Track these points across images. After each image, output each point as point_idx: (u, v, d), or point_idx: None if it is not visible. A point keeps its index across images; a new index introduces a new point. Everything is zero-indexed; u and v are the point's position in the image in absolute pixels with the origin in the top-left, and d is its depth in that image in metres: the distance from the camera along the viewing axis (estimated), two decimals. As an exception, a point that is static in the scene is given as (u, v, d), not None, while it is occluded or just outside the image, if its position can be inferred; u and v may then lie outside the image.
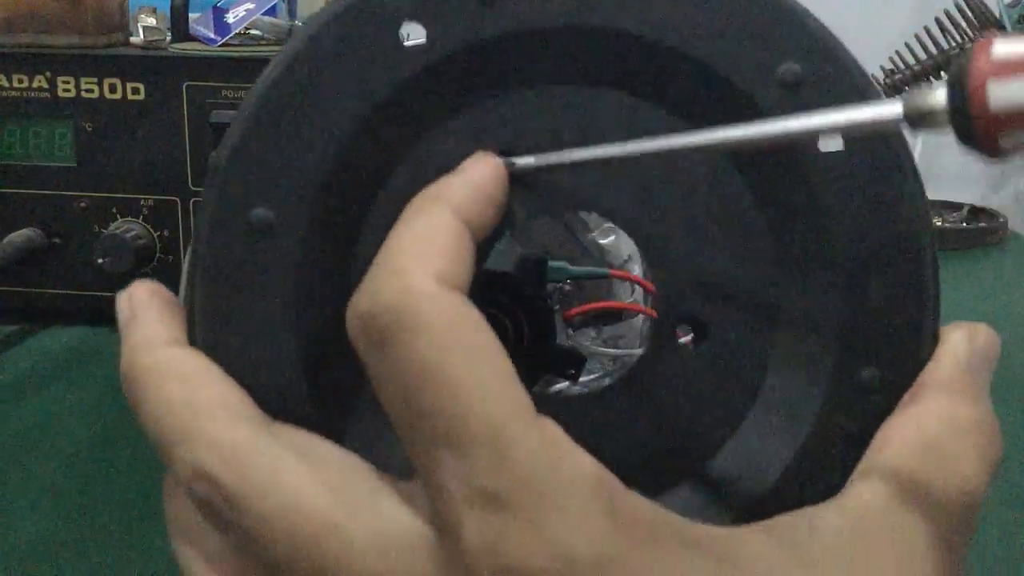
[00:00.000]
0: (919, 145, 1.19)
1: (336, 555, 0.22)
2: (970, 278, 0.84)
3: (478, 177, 0.26)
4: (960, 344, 0.28)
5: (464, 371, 0.21)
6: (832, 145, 0.26)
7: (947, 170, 1.24)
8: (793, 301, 0.27)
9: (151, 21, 0.69)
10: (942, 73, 0.90)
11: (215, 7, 0.70)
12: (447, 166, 0.26)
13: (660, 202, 0.28)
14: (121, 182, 0.65)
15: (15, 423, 0.55)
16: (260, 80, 0.27)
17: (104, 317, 0.68)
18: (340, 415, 0.27)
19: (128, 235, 0.63)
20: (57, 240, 0.66)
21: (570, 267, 0.38)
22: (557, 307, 0.38)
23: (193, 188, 0.64)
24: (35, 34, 0.65)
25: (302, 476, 0.23)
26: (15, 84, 0.64)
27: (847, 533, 0.24)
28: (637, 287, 0.38)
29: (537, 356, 0.37)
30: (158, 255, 0.65)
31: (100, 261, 0.63)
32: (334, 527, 0.22)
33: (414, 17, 0.26)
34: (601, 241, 0.38)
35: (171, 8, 0.70)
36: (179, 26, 0.70)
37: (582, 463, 0.21)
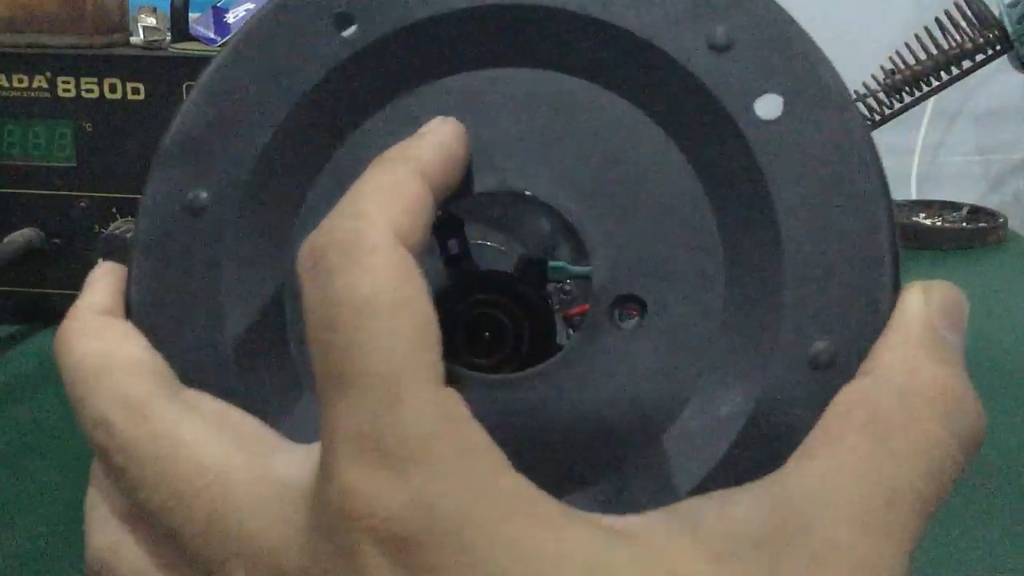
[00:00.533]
0: (919, 145, 1.19)
1: (213, 503, 0.23)
2: (970, 278, 0.84)
3: (443, 138, 0.26)
4: (914, 302, 0.25)
5: (389, 318, 0.21)
6: (771, 111, 0.26)
7: (947, 170, 1.24)
8: (738, 275, 0.26)
9: (151, 21, 0.69)
10: (942, 73, 0.90)
11: (215, 7, 0.70)
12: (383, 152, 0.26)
13: (595, 179, 0.27)
14: (121, 182, 0.65)
15: (15, 423, 0.55)
16: (207, 67, 0.28)
17: (104, 317, 0.68)
18: (270, 409, 0.27)
19: (128, 235, 0.63)
20: (57, 240, 0.66)
21: (570, 267, 0.38)
22: (557, 307, 0.38)
23: (193, 188, 0.64)
24: (35, 34, 0.65)
25: (196, 429, 0.24)
26: (15, 84, 0.64)
27: (760, 522, 0.22)
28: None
29: (538, 357, 0.37)
30: (158, 255, 0.65)
31: (100, 261, 0.63)
32: (216, 477, 0.23)
33: (346, 4, 0.27)
34: None
35: (171, 8, 0.70)
36: (179, 26, 0.70)
37: (472, 433, 0.21)
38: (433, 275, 0.36)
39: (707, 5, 0.26)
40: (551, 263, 0.37)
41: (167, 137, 0.27)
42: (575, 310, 0.38)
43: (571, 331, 0.37)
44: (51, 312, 0.68)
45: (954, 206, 1.00)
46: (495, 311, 0.36)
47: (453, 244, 0.35)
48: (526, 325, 0.37)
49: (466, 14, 0.27)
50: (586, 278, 0.38)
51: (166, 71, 0.63)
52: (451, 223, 0.35)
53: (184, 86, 0.63)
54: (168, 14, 0.71)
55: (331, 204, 0.24)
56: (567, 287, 0.38)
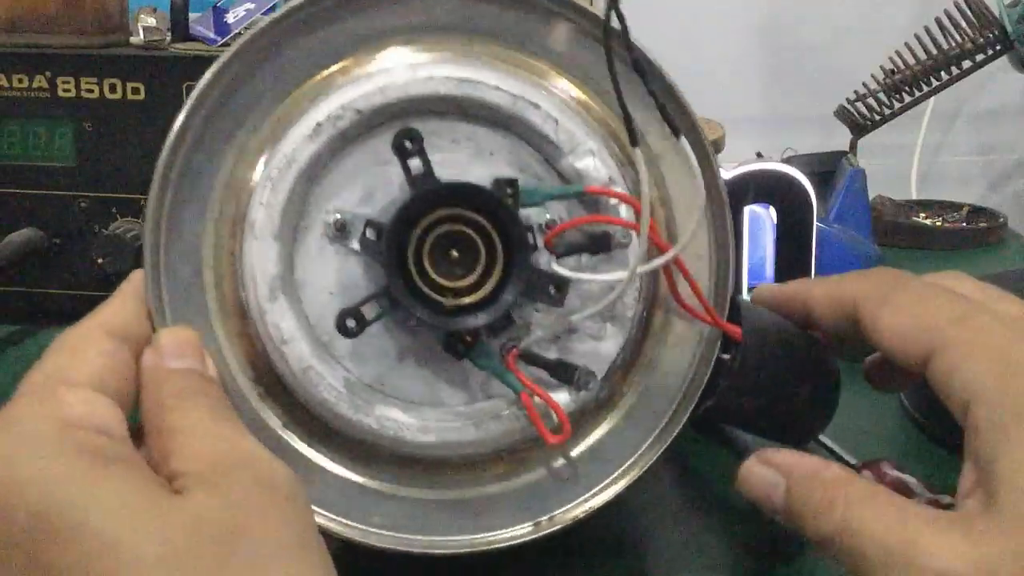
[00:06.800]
0: (919, 145, 1.19)
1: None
2: (970, 278, 0.84)
3: (129, 288, 0.36)
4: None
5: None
6: None
7: (947, 170, 1.24)
8: None
9: (151, 21, 0.69)
10: (942, 73, 0.90)
11: (215, 7, 0.70)
12: None
13: None
14: (121, 182, 0.65)
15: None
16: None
17: (104, 317, 0.68)
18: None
19: (128, 235, 0.63)
20: (57, 240, 0.66)
21: (544, 187, 0.36)
22: (541, 245, 0.36)
23: (193, 188, 0.64)
24: (35, 34, 0.65)
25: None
26: (15, 84, 0.64)
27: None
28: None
29: (516, 278, 0.35)
30: (158, 255, 0.65)
31: (100, 261, 0.63)
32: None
33: None
34: (578, 165, 0.36)
35: (171, 8, 0.70)
36: (179, 26, 0.69)
37: None
38: (398, 194, 0.35)
39: None
40: (522, 186, 0.35)
41: None
42: (554, 231, 0.36)
43: (554, 260, 0.36)
44: (51, 312, 0.68)
45: (954, 206, 1.00)
46: (462, 227, 0.34)
47: (416, 163, 0.34)
48: (498, 242, 0.34)
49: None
50: (561, 198, 0.36)
51: (166, 71, 0.63)
52: (411, 141, 0.34)
53: (184, 86, 0.63)
54: (168, 14, 0.70)
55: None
56: (551, 218, 0.37)
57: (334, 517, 0.37)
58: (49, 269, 0.66)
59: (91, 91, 0.63)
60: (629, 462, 0.39)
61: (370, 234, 0.35)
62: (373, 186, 0.36)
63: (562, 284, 0.35)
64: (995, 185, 1.27)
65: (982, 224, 0.96)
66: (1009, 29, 0.85)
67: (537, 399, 0.36)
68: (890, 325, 0.35)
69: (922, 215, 0.97)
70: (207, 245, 0.37)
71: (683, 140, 0.36)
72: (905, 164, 1.19)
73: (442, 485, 0.38)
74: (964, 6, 0.87)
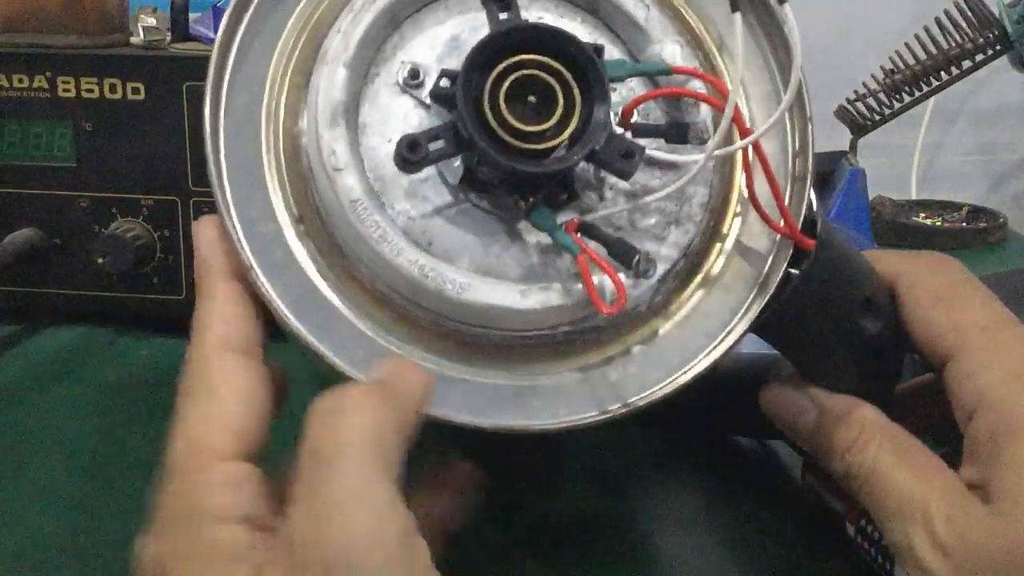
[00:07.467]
0: (919, 145, 1.19)
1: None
2: (970, 278, 0.84)
3: (224, 288, 0.33)
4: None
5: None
6: None
7: (947, 170, 1.24)
8: None
9: (151, 21, 0.69)
10: (942, 73, 0.90)
11: (215, 7, 0.70)
12: None
13: None
14: (121, 182, 0.65)
15: (15, 423, 0.55)
16: None
17: (104, 317, 0.68)
18: None
19: (128, 235, 0.63)
20: (57, 240, 0.66)
21: (629, 62, 0.35)
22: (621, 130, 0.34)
23: (193, 188, 0.64)
24: (35, 34, 0.65)
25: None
26: (15, 84, 0.64)
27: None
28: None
29: (587, 135, 0.33)
30: (158, 255, 0.65)
31: (100, 261, 0.63)
32: None
33: None
34: (664, 53, 0.36)
35: (171, 8, 0.70)
36: (179, 26, 0.70)
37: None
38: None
39: None
40: (609, 58, 0.34)
41: None
42: (633, 101, 0.35)
43: (627, 131, 0.34)
44: (51, 312, 0.68)
45: (954, 206, 1.00)
46: (541, 73, 0.33)
47: (504, 14, 0.33)
48: (576, 93, 0.32)
49: None
50: (646, 74, 0.35)
51: (166, 71, 0.63)
52: None
53: (184, 86, 0.63)
54: (168, 14, 0.71)
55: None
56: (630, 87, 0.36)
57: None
58: (49, 269, 0.66)
59: (91, 91, 0.63)
60: (688, 365, 0.36)
61: (444, 83, 0.35)
62: (453, 44, 0.36)
63: (632, 152, 0.33)
64: (995, 185, 1.27)
65: (982, 224, 0.96)
66: (1009, 29, 0.85)
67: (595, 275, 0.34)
68: (923, 316, 0.36)
69: (922, 215, 0.97)
70: (272, 76, 0.36)
71: (786, 7, 0.34)
72: (905, 164, 1.19)
73: (486, 365, 0.36)
74: (964, 6, 0.87)
